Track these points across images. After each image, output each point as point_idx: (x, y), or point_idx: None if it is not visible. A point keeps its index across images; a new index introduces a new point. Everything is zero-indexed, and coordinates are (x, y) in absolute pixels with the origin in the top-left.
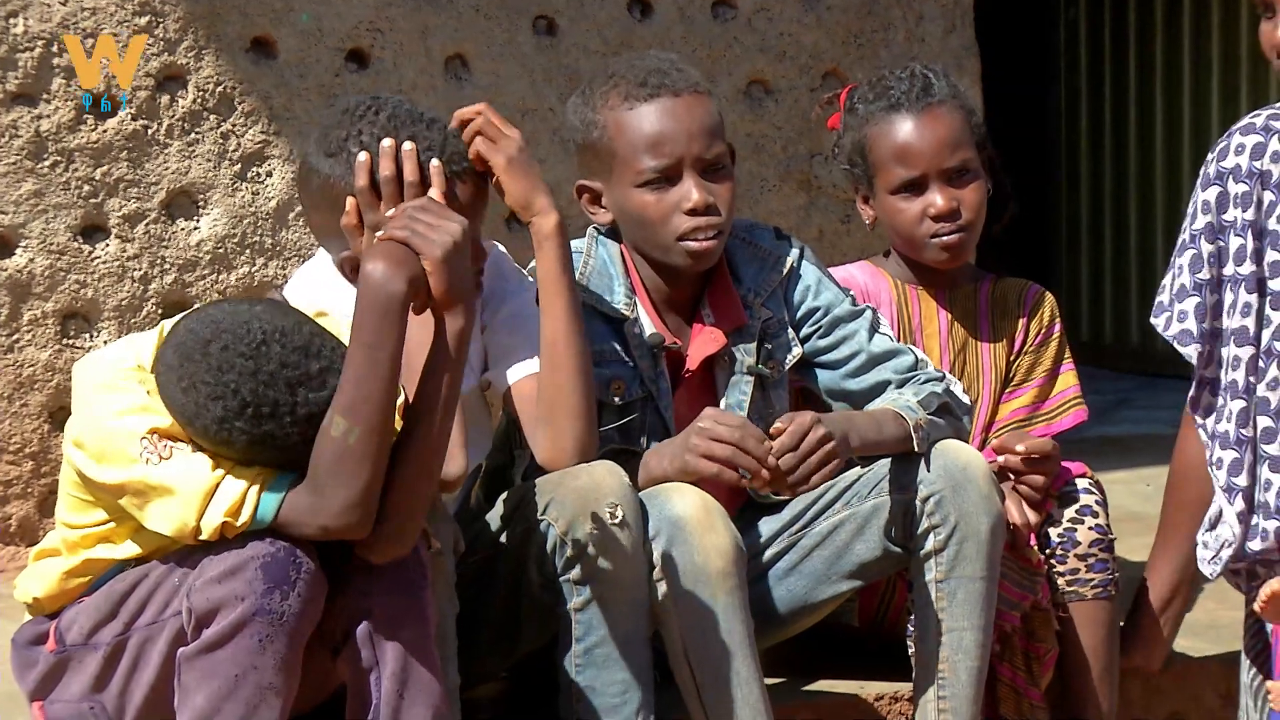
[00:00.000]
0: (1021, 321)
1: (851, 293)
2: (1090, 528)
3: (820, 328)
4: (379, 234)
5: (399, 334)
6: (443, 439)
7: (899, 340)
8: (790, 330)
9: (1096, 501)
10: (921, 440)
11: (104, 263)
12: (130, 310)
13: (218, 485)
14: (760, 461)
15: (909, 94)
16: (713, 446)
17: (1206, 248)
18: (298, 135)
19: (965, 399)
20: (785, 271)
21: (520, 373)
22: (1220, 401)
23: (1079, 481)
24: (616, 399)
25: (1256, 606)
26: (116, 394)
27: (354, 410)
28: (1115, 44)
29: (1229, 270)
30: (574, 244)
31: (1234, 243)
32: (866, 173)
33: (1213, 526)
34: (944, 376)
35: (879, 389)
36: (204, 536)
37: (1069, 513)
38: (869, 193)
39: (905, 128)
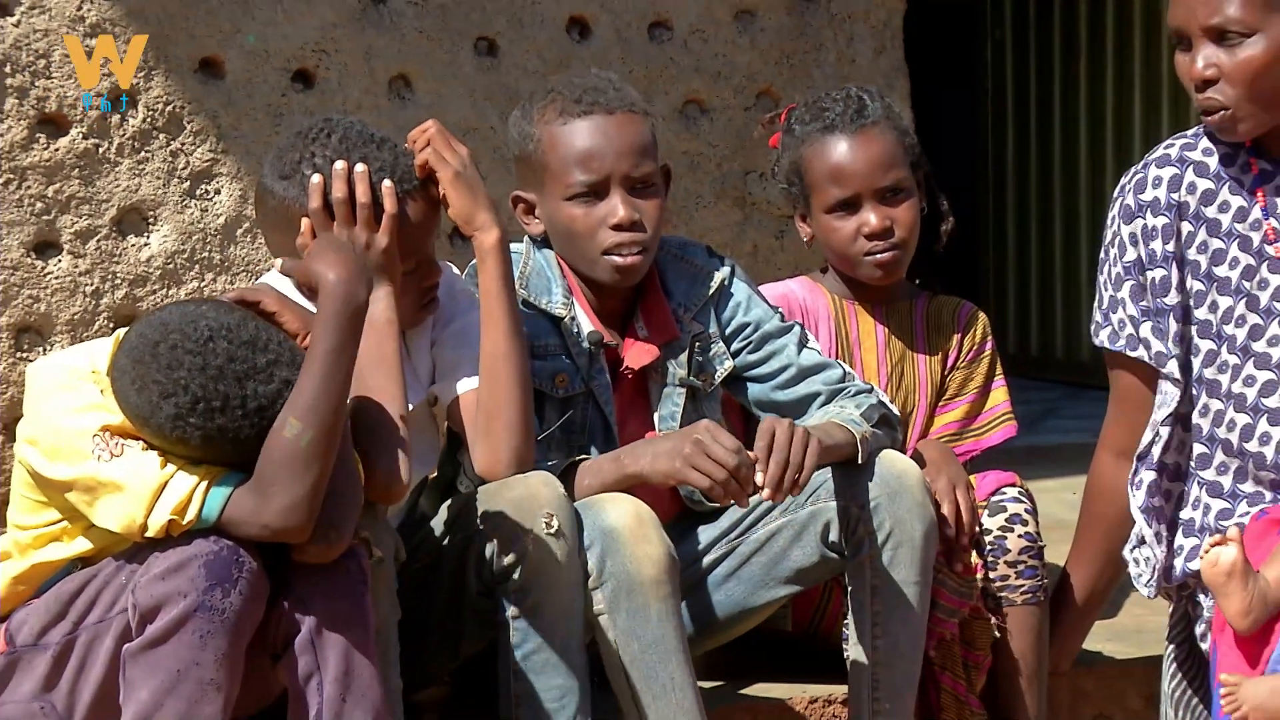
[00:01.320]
0: (955, 337)
1: (780, 310)
2: (1020, 535)
3: (750, 343)
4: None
5: (358, 340)
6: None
7: (837, 354)
8: (721, 344)
9: (1026, 510)
10: (866, 452)
11: (56, 278)
12: (82, 324)
13: (166, 483)
14: (743, 492)
15: (843, 115)
16: (708, 464)
17: (1139, 279)
18: (245, 154)
19: (895, 410)
20: (715, 287)
21: (464, 387)
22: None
23: (1008, 490)
24: (560, 392)
25: (1201, 556)
26: (70, 393)
27: (310, 413)
28: (1040, 64)
29: (1158, 300)
30: (513, 246)
31: (1158, 274)
32: (803, 192)
33: (1139, 545)
34: (872, 389)
35: (808, 400)
36: (151, 533)
37: (999, 521)
38: (806, 211)
39: (839, 148)
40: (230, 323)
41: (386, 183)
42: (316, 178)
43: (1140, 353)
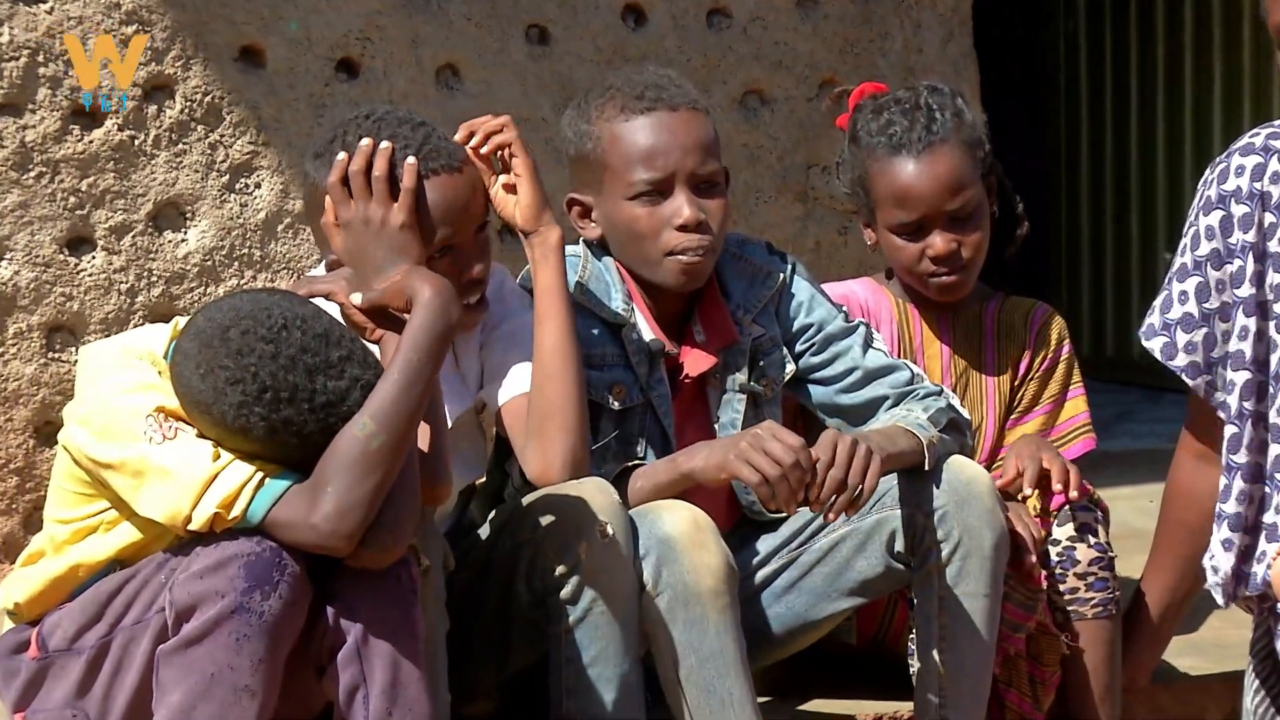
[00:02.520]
0: (1028, 342)
1: (844, 308)
2: (1091, 546)
3: (813, 345)
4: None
5: (443, 357)
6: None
7: (898, 359)
8: (783, 347)
9: (1096, 520)
10: (933, 458)
11: (90, 275)
12: (117, 323)
13: (218, 474)
14: (795, 495)
15: (910, 132)
16: (761, 459)
17: (1214, 275)
18: (287, 146)
19: (966, 414)
20: (776, 288)
21: (514, 391)
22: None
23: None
24: (616, 403)
25: (1270, 563)
26: (125, 372)
27: (385, 417)
28: (1116, 56)
29: (1230, 294)
30: (571, 249)
31: (1234, 265)
32: (868, 204)
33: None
34: (941, 391)
35: (875, 404)
36: (194, 526)
37: (1068, 531)
38: (870, 220)
39: (905, 171)
40: (304, 314)
41: (410, 159)
42: (341, 155)
43: (1178, 360)
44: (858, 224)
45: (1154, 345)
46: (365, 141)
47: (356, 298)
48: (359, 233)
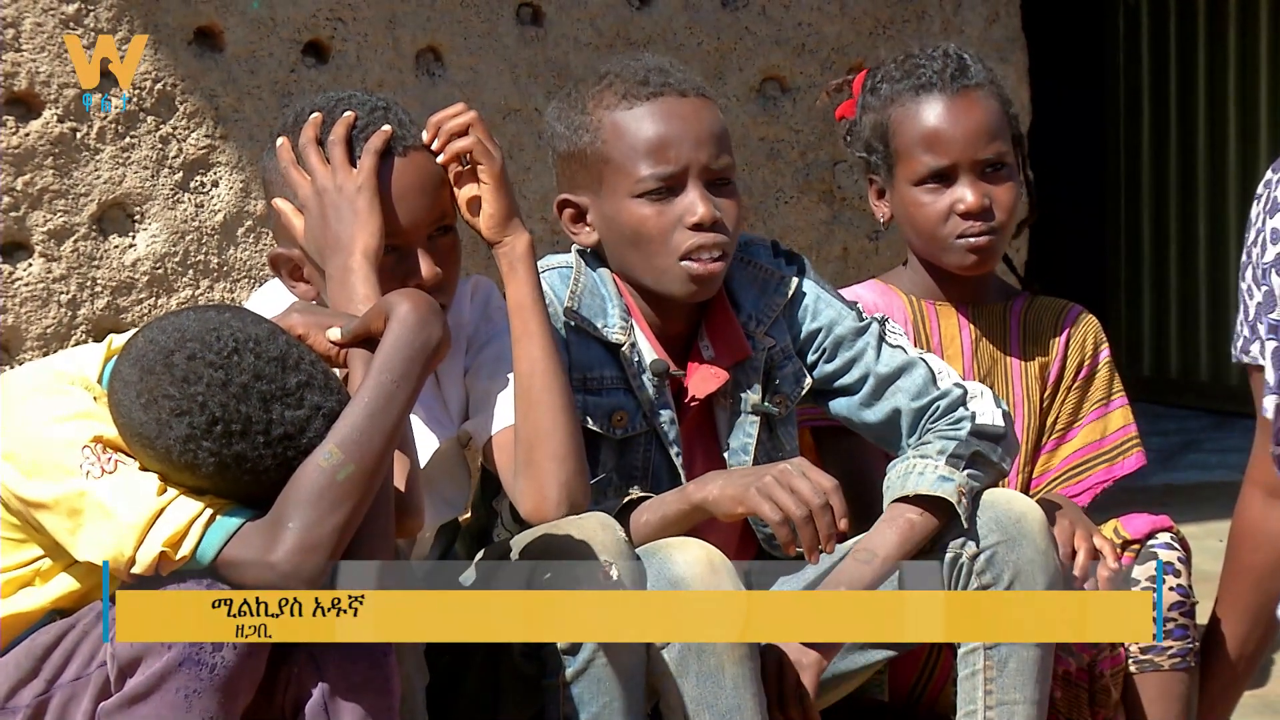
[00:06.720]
0: (1059, 347)
1: (858, 305)
2: (1171, 588)
3: (824, 351)
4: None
5: (422, 381)
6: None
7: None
8: (795, 358)
9: (1179, 559)
10: (969, 515)
11: (26, 285)
12: (56, 338)
13: (162, 511)
14: (823, 542)
15: (942, 73)
16: (785, 496)
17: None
18: (248, 139)
19: (997, 417)
20: (789, 294)
21: (502, 423)
22: None
23: (1160, 536)
24: (618, 432)
25: None
26: (56, 398)
27: (356, 446)
28: (1181, 33)
29: None
30: (562, 258)
31: None
32: (887, 160)
33: None
34: (964, 394)
35: (892, 422)
36: (138, 570)
37: (1147, 571)
38: (886, 184)
39: (936, 110)
40: (258, 334)
41: (385, 126)
42: (281, 140)
43: (1270, 373)
44: (891, 228)
45: (1239, 352)
46: (315, 115)
47: (335, 333)
48: (314, 210)
